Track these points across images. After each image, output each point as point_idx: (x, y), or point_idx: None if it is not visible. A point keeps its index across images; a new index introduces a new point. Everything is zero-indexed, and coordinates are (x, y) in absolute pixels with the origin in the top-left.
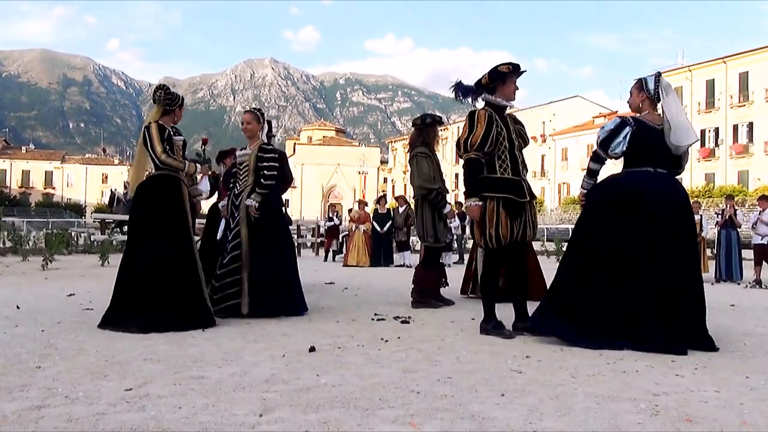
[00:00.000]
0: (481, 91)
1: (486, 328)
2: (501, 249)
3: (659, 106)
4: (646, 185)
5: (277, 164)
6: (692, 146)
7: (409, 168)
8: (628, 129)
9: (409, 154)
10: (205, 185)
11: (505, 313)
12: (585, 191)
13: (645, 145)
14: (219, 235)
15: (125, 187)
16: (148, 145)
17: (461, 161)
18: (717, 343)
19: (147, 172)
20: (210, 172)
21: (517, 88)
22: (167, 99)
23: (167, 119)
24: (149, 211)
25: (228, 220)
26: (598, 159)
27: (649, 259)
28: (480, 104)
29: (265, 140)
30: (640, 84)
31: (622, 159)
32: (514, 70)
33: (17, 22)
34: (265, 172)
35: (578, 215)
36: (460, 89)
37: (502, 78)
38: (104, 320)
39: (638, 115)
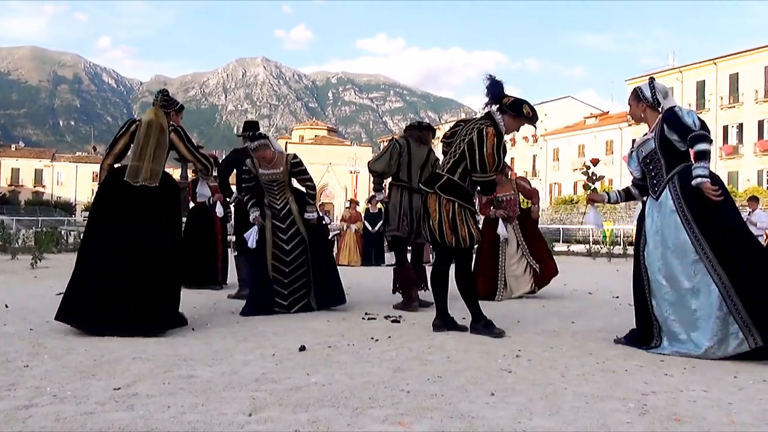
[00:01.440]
0: (495, 102)
1: (476, 328)
2: (471, 248)
3: (661, 110)
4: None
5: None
6: None
7: (421, 160)
8: (634, 153)
9: (425, 150)
10: (206, 190)
11: (498, 312)
12: (709, 179)
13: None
14: (252, 244)
15: None
16: (189, 145)
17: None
18: None
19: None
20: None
21: (518, 130)
22: (163, 101)
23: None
24: (164, 206)
25: (274, 235)
26: (710, 141)
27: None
28: (482, 105)
29: (285, 152)
30: (637, 94)
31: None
32: (531, 117)
33: (8, 19)
34: (309, 183)
35: (708, 211)
36: (495, 88)
37: (517, 114)
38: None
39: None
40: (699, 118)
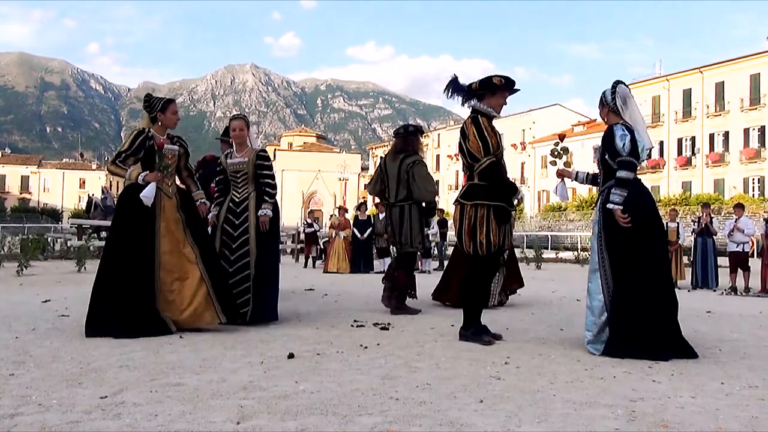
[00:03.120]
0: (470, 96)
1: (465, 335)
2: (491, 256)
3: (625, 115)
4: (647, 193)
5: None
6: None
7: (394, 173)
8: (633, 134)
9: (398, 160)
10: (147, 192)
11: (486, 319)
12: (621, 207)
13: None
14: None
15: (103, 193)
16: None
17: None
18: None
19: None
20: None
21: (506, 103)
22: (145, 106)
23: (157, 127)
24: (125, 217)
25: (223, 229)
26: (634, 168)
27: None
28: (465, 108)
29: (259, 147)
30: (601, 99)
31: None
32: (506, 84)
33: None
34: (269, 180)
35: (614, 232)
36: (454, 87)
37: (492, 89)
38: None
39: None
40: (632, 142)
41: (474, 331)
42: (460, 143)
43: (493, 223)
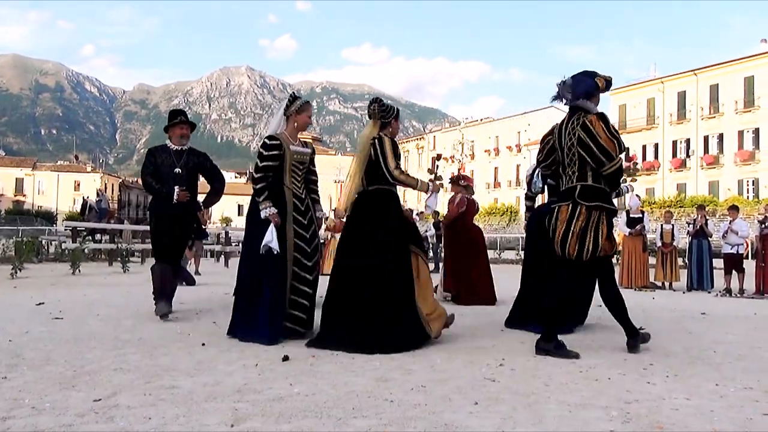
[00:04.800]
0: (594, 91)
1: (547, 348)
2: (594, 262)
3: None
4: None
5: None
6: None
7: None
8: (538, 171)
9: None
10: (432, 201)
11: (482, 320)
12: (526, 222)
13: (548, 184)
14: (274, 244)
15: (98, 195)
16: (381, 158)
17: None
18: (687, 351)
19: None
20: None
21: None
22: (382, 112)
23: (385, 132)
24: (371, 225)
25: (294, 230)
26: (527, 197)
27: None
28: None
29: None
30: None
31: None
32: (607, 85)
33: None
34: (316, 179)
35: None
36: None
37: (606, 88)
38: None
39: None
40: (528, 181)
41: (555, 346)
42: (582, 141)
43: (604, 228)
